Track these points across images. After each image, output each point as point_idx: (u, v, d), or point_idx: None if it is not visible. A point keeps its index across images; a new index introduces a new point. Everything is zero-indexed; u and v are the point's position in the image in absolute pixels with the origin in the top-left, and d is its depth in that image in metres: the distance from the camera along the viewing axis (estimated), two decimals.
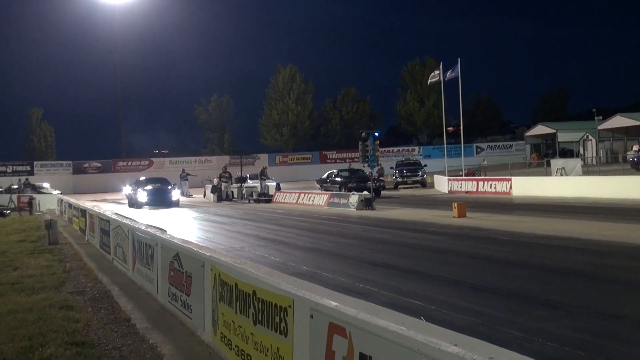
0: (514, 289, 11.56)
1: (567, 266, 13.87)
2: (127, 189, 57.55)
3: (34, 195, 50.52)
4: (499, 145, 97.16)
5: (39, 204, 47.34)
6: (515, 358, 3.36)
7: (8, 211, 42.21)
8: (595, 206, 28.31)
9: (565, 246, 16.81)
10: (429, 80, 55.04)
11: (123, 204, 46.15)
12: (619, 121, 71.61)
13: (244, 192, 49.08)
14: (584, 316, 9.52)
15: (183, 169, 65.29)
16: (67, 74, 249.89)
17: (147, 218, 29.50)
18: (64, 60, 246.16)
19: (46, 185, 66.74)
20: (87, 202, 35.54)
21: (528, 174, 48.15)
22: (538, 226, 21.40)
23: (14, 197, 50.88)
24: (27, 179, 66.06)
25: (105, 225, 19.04)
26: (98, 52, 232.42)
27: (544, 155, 75.80)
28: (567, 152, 78.25)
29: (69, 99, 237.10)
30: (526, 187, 38.80)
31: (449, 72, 48.62)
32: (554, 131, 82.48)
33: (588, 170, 47.43)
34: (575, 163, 45.57)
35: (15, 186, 62.40)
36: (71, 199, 37.25)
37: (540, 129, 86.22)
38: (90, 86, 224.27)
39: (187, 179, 60.29)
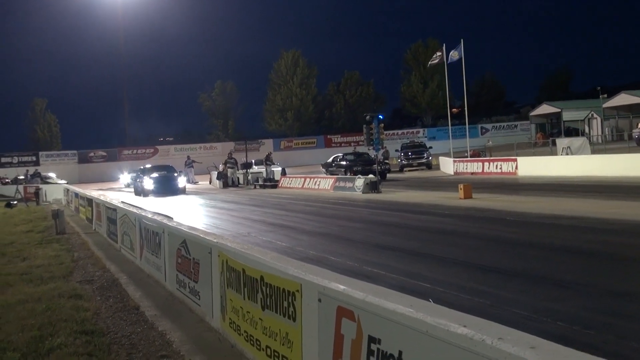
0: (522, 269, 11.55)
1: (575, 245, 13.85)
2: (124, 178, 57.73)
3: (41, 186, 50.63)
4: (503, 126, 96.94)
5: (45, 194, 47.42)
6: (524, 338, 3.35)
7: (15, 202, 42.29)
8: (602, 184, 28.25)
9: (573, 225, 16.79)
10: (430, 62, 54.84)
11: (129, 193, 46.22)
12: (623, 99, 71.30)
13: (249, 177, 49.10)
14: (593, 295, 9.51)
15: (188, 156, 65.27)
16: (70, 64, 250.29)
17: (154, 206, 29.53)
18: (67, 50, 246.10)
19: (52, 175, 66.98)
20: (93, 191, 35.58)
21: (534, 154, 48.07)
22: (545, 206, 21.36)
23: (21, 187, 50.98)
24: (36, 170, 66.26)
25: (112, 214, 19.07)
26: (101, 40, 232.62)
27: (550, 135, 75.57)
28: (572, 131, 77.97)
29: (73, 88, 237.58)
30: (532, 167, 38.71)
31: (453, 52, 48.44)
32: (559, 110, 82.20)
33: (594, 148, 47.28)
34: (581, 142, 45.39)
35: (22, 177, 62.58)
36: (77, 189, 37.33)
37: (544, 109, 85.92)
38: (93, 75, 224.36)
39: (192, 166, 60.29)
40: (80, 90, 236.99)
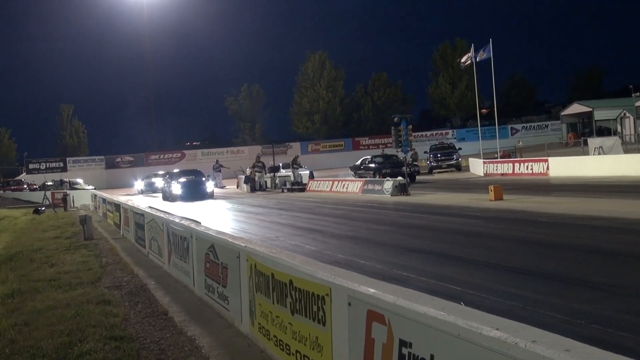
0: (555, 271, 11.47)
1: (608, 247, 13.73)
2: (139, 184, 58.09)
3: (68, 192, 51.03)
4: (534, 126, 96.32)
5: (73, 200, 47.78)
6: (559, 340, 3.32)
7: (43, 208, 42.66)
8: (635, 184, 28.00)
9: (606, 226, 16.65)
10: (462, 64, 54.51)
11: (157, 197, 46.48)
12: None
13: (277, 181, 49.16)
14: (627, 297, 9.42)
15: (217, 160, 65.57)
16: (96, 69, 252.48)
17: (181, 210, 29.66)
18: (93, 55, 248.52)
19: (79, 181, 67.50)
20: (120, 197, 35.81)
21: (565, 154, 47.69)
22: (577, 207, 21.20)
23: (49, 194, 51.40)
24: (61, 179, 66.77)
25: (140, 219, 19.17)
26: (127, 46, 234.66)
27: (581, 135, 74.96)
28: (604, 131, 77.27)
29: (100, 94, 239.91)
30: (564, 167, 38.46)
31: (481, 52, 48.25)
32: (590, 109, 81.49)
33: (626, 148, 46.81)
34: (613, 141, 44.97)
35: (50, 183, 63.12)
36: (105, 194, 37.55)
37: (576, 108, 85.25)
38: (120, 80, 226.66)
39: (220, 170, 60.51)
40: (106, 95, 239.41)
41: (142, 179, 59.21)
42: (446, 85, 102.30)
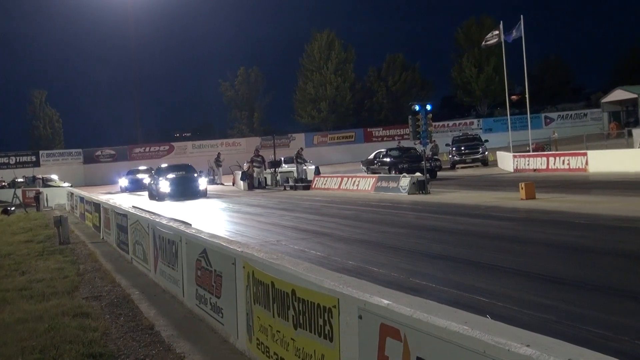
0: (593, 280, 11.46)
1: None
2: (123, 181, 58.08)
3: (41, 189, 51.05)
4: (571, 115, 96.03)
5: (46, 199, 47.84)
6: (597, 359, 3.32)
7: (13, 208, 42.70)
8: None
9: None
10: (484, 43, 54.42)
11: (142, 196, 46.52)
12: None
13: (278, 178, 49.15)
14: None
15: (218, 153, 64.94)
16: (73, 49, 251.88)
17: (170, 211, 29.70)
18: (69, 33, 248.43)
19: (54, 177, 67.52)
20: (101, 195, 35.87)
21: (606, 147, 47.66)
22: (620, 207, 21.17)
23: (19, 192, 51.45)
24: (33, 176, 66.78)
25: (122, 221, 19.21)
26: (108, 22, 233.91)
27: (625, 125, 74.78)
28: None
29: (77, 78, 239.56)
30: (605, 161, 38.36)
31: (511, 31, 48.13)
32: (636, 96, 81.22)
33: None
34: None
35: (20, 179, 63.17)
36: (83, 192, 37.60)
37: (618, 94, 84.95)
38: (100, 63, 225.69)
39: (221, 165, 60.44)
40: (84, 80, 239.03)
41: (126, 175, 59.17)
42: (471, 68, 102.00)
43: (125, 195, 51.10)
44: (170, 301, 12.49)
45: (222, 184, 57.22)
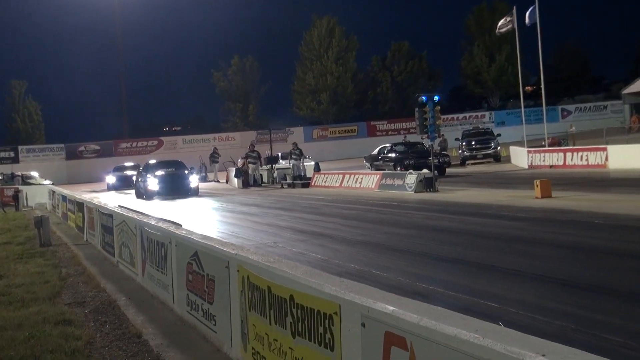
0: (614, 285, 11.46)
1: None
2: (110, 178, 58.02)
3: (20, 187, 50.98)
4: (590, 107, 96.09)
5: (26, 198, 47.78)
6: None
7: None
8: None
9: None
10: (498, 30, 54.39)
11: (130, 194, 46.53)
12: None
13: (275, 175, 49.17)
14: None
15: (214, 148, 64.79)
16: (55, 38, 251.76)
17: (159, 210, 29.71)
18: (50, 20, 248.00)
19: (34, 174, 67.45)
20: (85, 194, 35.86)
21: (628, 142, 47.58)
22: None
23: None
24: (12, 173, 66.68)
25: (108, 221, 19.19)
26: (92, 7, 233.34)
27: None
28: None
29: (59, 68, 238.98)
30: (626, 157, 38.31)
31: (525, 17, 48.07)
32: None
33: None
34: None
35: None
36: (65, 190, 37.58)
37: None
38: (83, 51, 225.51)
39: (217, 160, 60.32)
40: (67, 70, 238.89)
41: (113, 172, 59.10)
42: (482, 56, 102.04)
43: (112, 193, 51.16)
44: (159, 307, 12.49)
45: (219, 181, 57.21)
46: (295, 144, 52.75)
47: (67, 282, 15.84)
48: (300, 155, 49.58)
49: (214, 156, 61.18)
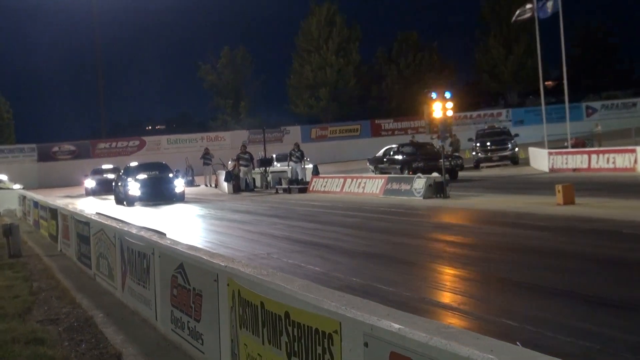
0: None
1: None
2: (89, 182, 57.93)
3: None
4: (617, 104, 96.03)
5: None
6: None
7: None
8: None
9: None
10: (515, 18, 54.37)
11: (108, 200, 46.54)
12: None
13: (269, 179, 49.10)
14: None
15: (206, 149, 64.46)
16: (27, 31, 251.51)
17: (141, 218, 29.72)
18: (23, 12, 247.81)
19: (3, 177, 67.38)
20: (59, 199, 35.85)
21: None
22: None
23: None
24: None
25: (84, 230, 19.18)
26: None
27: None
28: None
29: (30, 62, 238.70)
30: None
31: (546, 5, 48.07)
32: None
33: None
34: None
35: None
36: (37, 196, 37.56)
37: None
38: (57, 43, 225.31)
39: (210, 163, 60.17)
40: (39, 64, 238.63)
41: (92, 176, 58.97)
42: (499, 48, 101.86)
43: (90, 199, 51.18)
44: (141, 325, 12.49)
45: (211, 186, 57.17)
46: (296, 144, 52.42)
47: (39, 297, 15.83)
48: (302, 157, 49.34)
49: (206, 158, 60.94)
